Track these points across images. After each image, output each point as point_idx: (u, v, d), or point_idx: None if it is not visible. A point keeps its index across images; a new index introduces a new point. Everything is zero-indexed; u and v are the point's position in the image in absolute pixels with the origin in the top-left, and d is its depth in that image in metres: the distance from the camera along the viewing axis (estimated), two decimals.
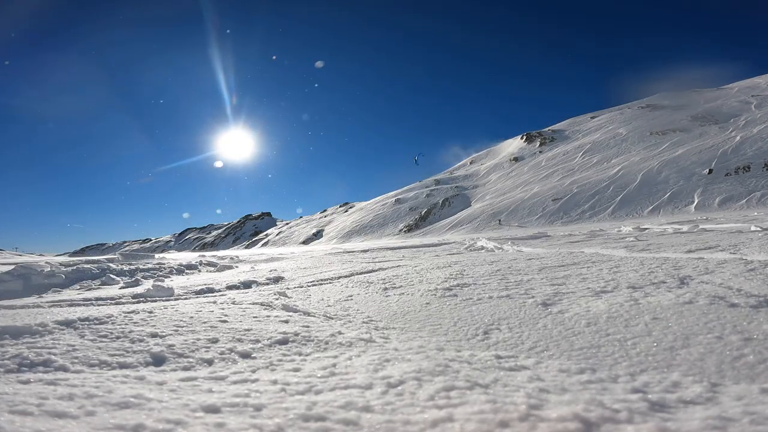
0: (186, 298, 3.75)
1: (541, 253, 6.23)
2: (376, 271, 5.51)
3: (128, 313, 2.57)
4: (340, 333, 2.17)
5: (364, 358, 1.72)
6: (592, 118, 77.50)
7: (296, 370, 1.62)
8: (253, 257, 13.55)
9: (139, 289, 4.55)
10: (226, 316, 2.57)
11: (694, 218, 18.39)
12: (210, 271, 7.83)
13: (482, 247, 9.86)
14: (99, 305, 3.41)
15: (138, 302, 3.55)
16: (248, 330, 2.21)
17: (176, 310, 2.73)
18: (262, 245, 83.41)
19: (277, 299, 3.34)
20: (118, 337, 2.04)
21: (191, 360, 1.76)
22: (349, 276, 5.08)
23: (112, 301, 3.73)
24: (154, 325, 2.27)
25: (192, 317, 2.51)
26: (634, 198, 32.30)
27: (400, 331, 2.25)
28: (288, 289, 4.18)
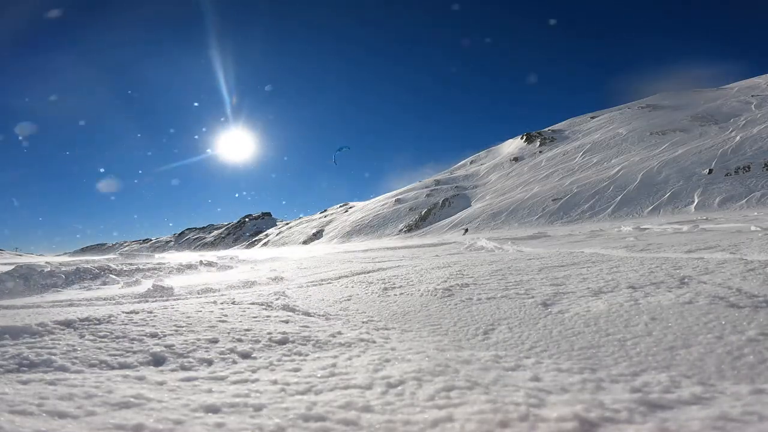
0: (186, 298, 3.75)
1: (541, 253, 6.23)
2: (376, 271, 5.50)
3: (128, 313, 2.57)
4: (340, 333, 2.17)
5: (364, 358, 1.72)
6: (592, 118, 77.49)
7: (296, 370, 1.62)
8: (253, 257, 13.55)
9: (139, 289, 4.55)
10: (226, 316, 2.57)
11: (694, 218, 18.38)
12: (210, 271, 7.84)
13: (482, 247, 9.86)
14: (99, 305, 3.40)
15: (138, 302, 3.55)
16: (248, 330, 2.21)
17: (176, 310, 2.73)
18: (262, 245, 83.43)
19: (277, 299, 3.34)
20: (118, 337, 2.04)
21: (191, 360, 1.76)
22: (349, 276, 5.08)
23: (112, 301, 3.73)
24: (154, 326, 2.27)
25: (192, 317, 2.51)
26: (634, 198, 32.29)
27: (400, 332, 2.25)
28: (288, 289, 4.18)
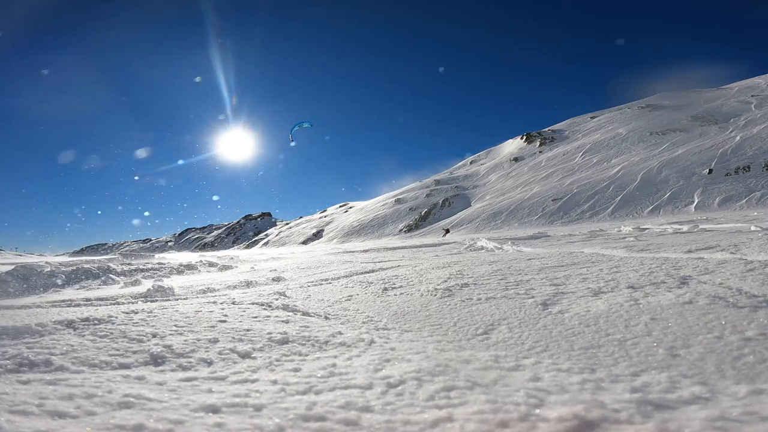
0: (186, 298, 3.75)
1: (541, 253, 6.23)
2: (376, 271, 5.50)
3: (128, 313, 2.57)
4: (339, 333, 2.17)
5: (364, 358, 1.72)
6: (592, 118, 77.51)
7: (296, 370, 1.62)
8: (253, 257, 13.55)
9: (139, 289, 4.55)
10: (225, 316, 2.57)
11: (694, 218, 18.38)
12: (210, 271, 7.83)
13: (482, 247, 9.86)
14: (99, 305, 3.40)
15: (138, 302, 3.55)
16: (248, 330, 2.21)
17: (176, 310, 2.73)
18: (262, 245, 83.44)
19: (277, 299, 3.34)
20: (117, 337, 2.04)
21: (191, 360, 1.76)
22: (348, 276, 5.08)
23: (112, 301, 3.73)
24: (154, 325, 2.27)
25: (192, 317, 2.51)
26: (634, 198, 32.29)
27: (400, 332, 2.25)
28: (288, 289, 4.18)
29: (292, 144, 14.54)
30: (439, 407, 1.21)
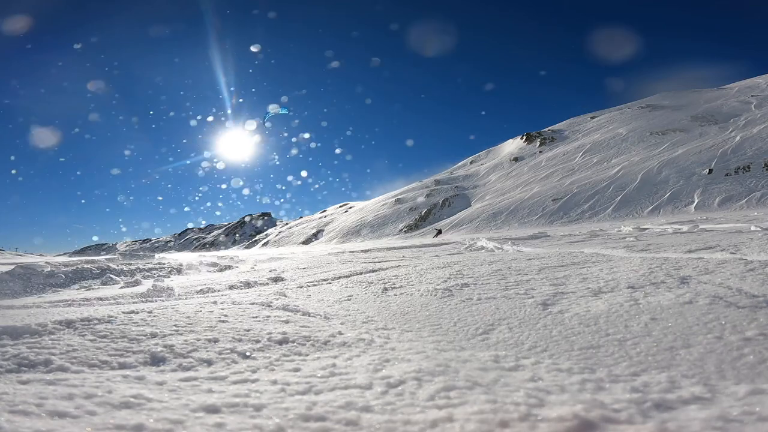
0: (186, 298, 3.75)
1: (541, 253, 6.23)
2: (376, 271, 5.50)
3: (128, 313, 2.57)
4: (339, 333, 2.17)
5: (364, 358, 1.72)
6: (592, 118, 77.50)
7: (296, 370, 1.62)
8: (253, 257, 13.55)
9: (139, 289, 4.55)
10: (225, 316, 2.57)
11: (694, 218, 18.38)
12: (210, 271, 7.84)
13: (482, 247, 9.85)
14: (99, 305, 3.40)
15: (138, 302, 3.55)
16: (248, 330, 2.21)
17: (176, 310, 2.73)
18: (262, 245, 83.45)
19: (277, 299, 3.34)
20: (117, 337, 2.04)
21: (191, 360, 1.76)
22: (348, 276, 5.08)
23: (112, 301, 3.73)
24: (154, 325, 2.27)
25: (192, 317, 2.51)
26: (634, 198, 32.28)
27: (400, 332, 2.25)
28: (288, 289, 4.18)
29: (264, 124, 14.46)
30: (439, 407, 1.21)
